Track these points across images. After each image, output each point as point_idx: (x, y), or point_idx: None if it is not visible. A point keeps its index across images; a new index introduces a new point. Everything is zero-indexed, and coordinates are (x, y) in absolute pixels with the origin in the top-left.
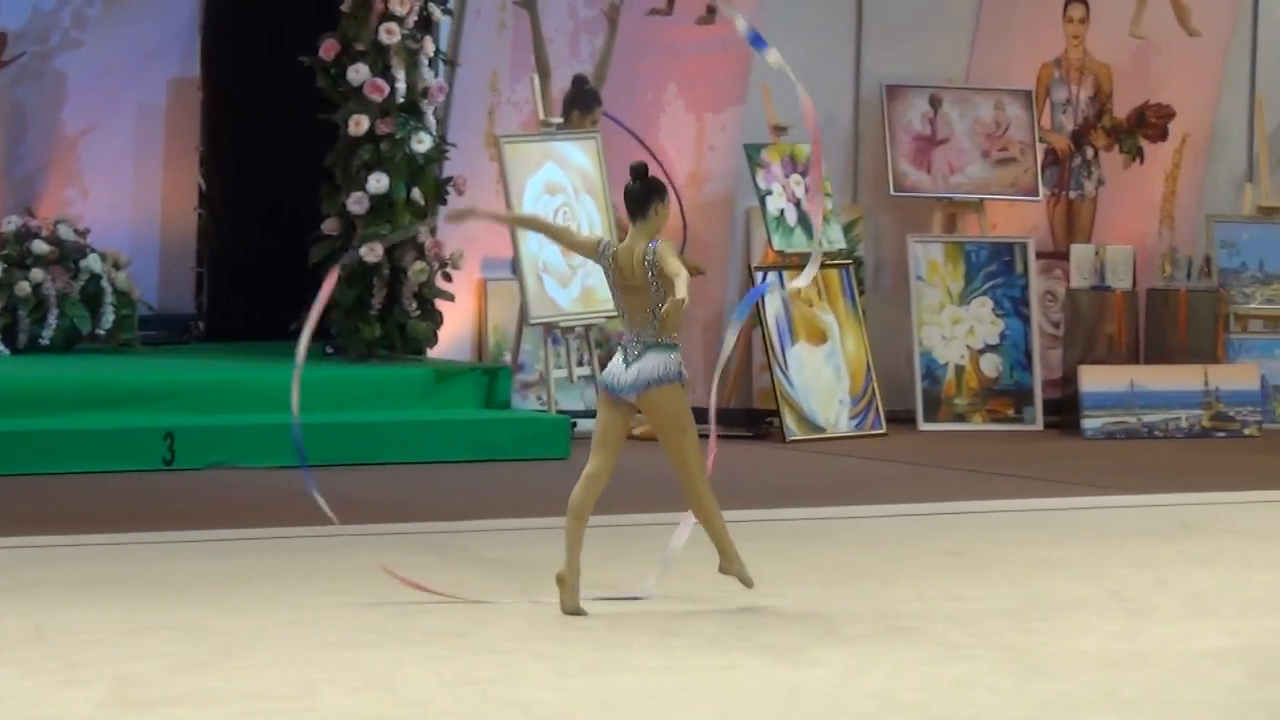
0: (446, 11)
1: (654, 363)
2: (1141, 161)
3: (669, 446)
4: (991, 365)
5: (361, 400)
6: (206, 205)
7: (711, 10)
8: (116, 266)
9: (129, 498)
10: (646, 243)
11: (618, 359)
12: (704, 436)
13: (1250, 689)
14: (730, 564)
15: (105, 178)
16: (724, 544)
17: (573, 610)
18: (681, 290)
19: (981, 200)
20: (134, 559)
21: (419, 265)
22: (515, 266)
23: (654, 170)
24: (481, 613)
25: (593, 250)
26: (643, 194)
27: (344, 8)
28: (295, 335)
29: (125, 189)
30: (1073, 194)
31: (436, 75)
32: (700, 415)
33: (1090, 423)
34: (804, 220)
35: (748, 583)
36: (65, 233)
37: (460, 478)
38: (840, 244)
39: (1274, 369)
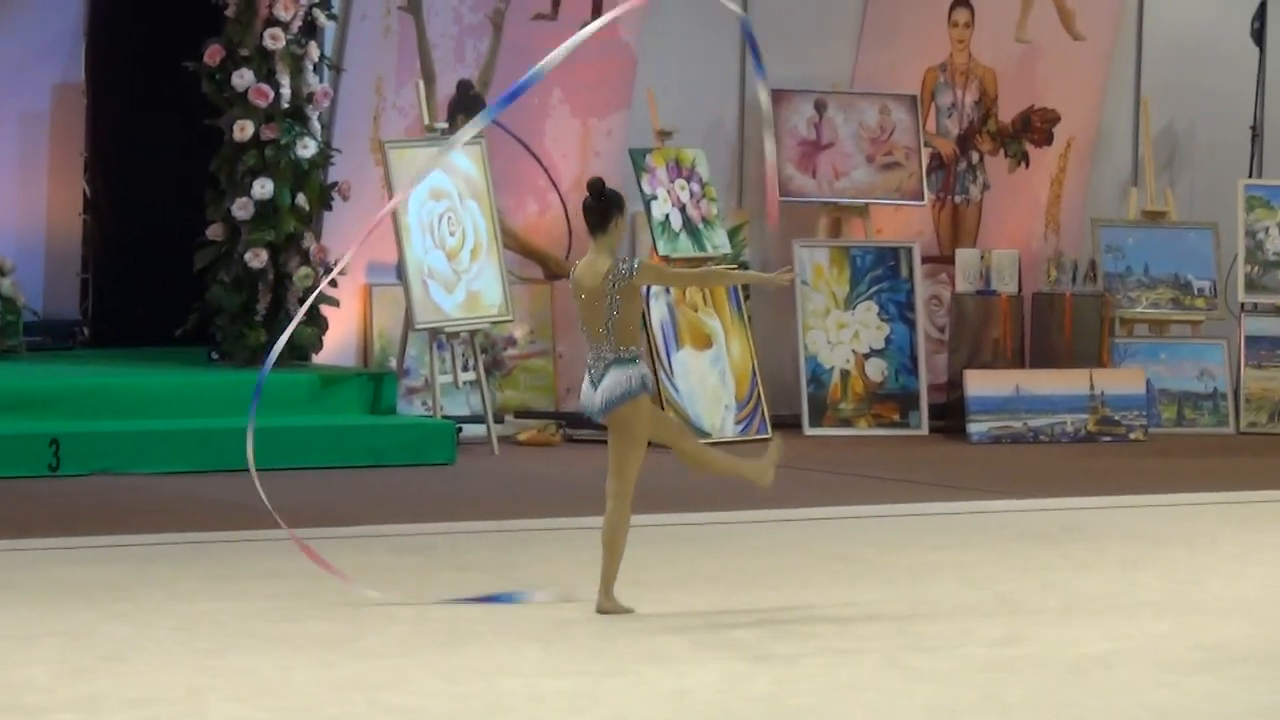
0: (331, 17)
1: (614, 380)
2: (1027, 166)
3: (616, 454)
4: (877, 370)
5: (246, 405)
6: (91, 211)
7: (597, 15)
8: (1, 272)
9: (13, 504)
10: (608, 257)
11: (586, 382)
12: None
13: (1135, 692)
14: (608, 601)
15: None
16: (611, 576)
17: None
18: (728, 275)
19: (867, 205)
20: (19, 565)
21: (304, 270)
22: (400, 272)
23: (538, 176)
24: (369, 618)
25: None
26: (602, 209)
27: (228, 13)
28: (181, 341)
29: (9, 195)
30: (958, 198)
31: (321, 80)
32: (592, 420)
33: (976, 427)
34: (689, 225)
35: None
36: None
37: (345, 483)
38: (725, 249)
39: (1159, 373)
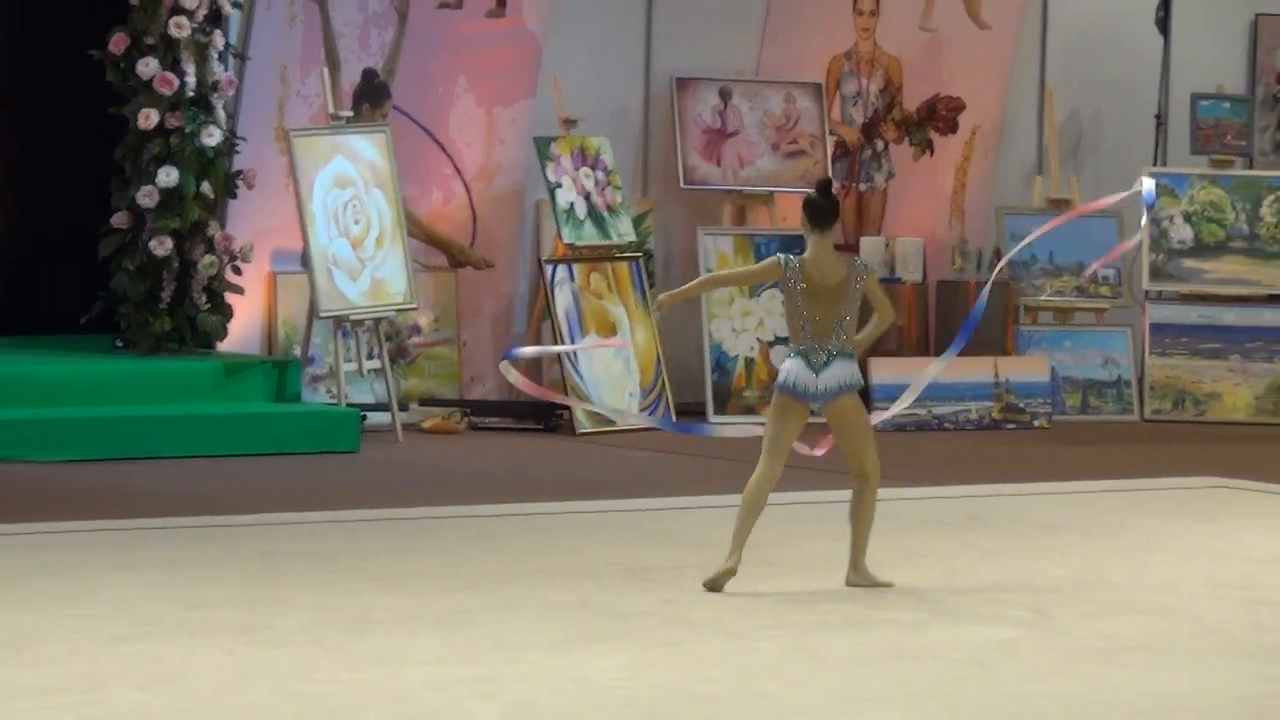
0: (236, 5)
1: (843, 370)
2: (931, 154)
3: (854, 450)
4: (782, 358)
5: (151, 393)
6: None
7: (502, 4)
8: None
9: None
10: (836, 254)
11: (799, 365)
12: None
13: (1040, 680)
14: (857, 575)
15: None
16: (862, 549)
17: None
18: (890, 315)
19: (771, 193)
20: None
21: (208, 258)
22: (305, 260)
23: (444, 164)
24: (273, 607)
25: (776, 271)
26: (832, 207)
27: (133, 1)
28: (85, 329)
29: None
30: (863, 186)
31: (226, 69)
32: (496, 408)
33: (880, 415)
34: (594, 213)
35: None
36: None
37: (250, 471)
38: (630, 237)
39: (1063, 361)
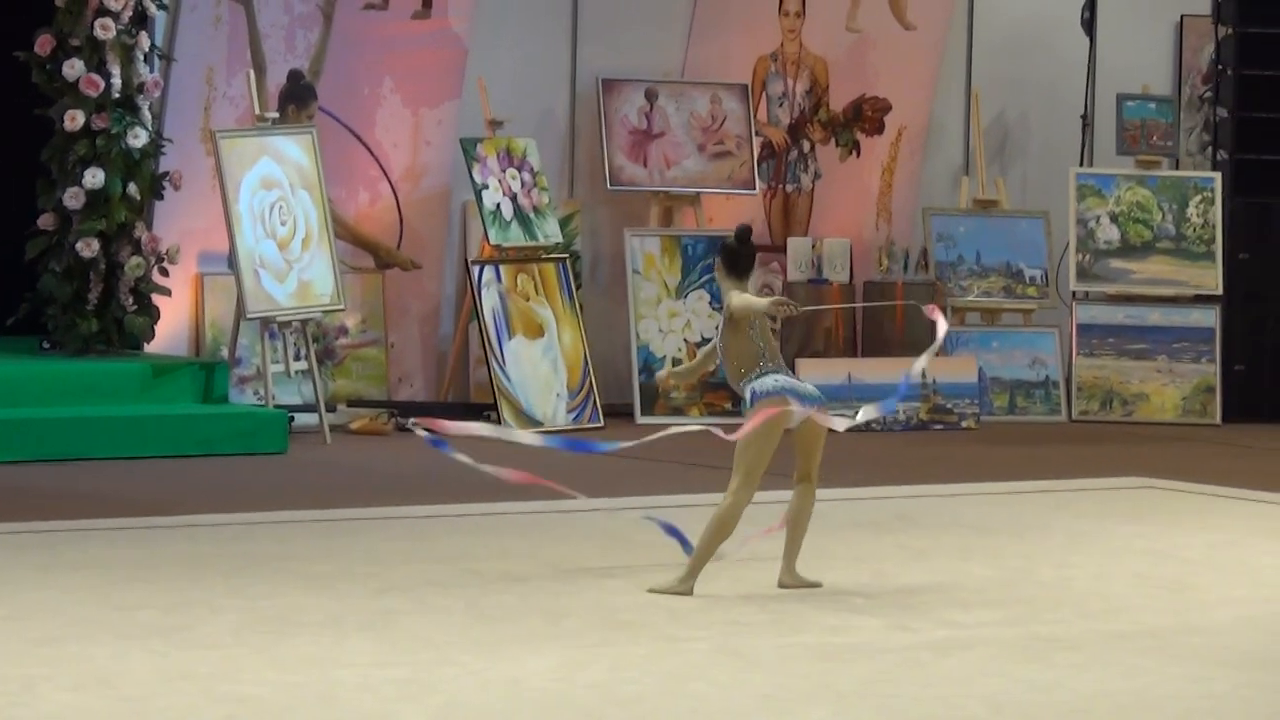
0: (162, 7)
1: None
2: (858, 155)
3: (810, 454)
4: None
5: (78, 395)
6: None
7: (427, 5)
8: None
9: None
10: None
11: (782, 376)
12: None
13: (968, 681)
14: (790, 575)
15: None
16: (797, 551)
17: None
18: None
19: (698, 194)
20: None
21: (135, 260)
22: (232, 261)
23: (370, 166)
24: (200, 609)
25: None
26: (753, 256)
27: (58, 3)
28: (12, 330)
29: None
30: (789, 187)
31: (152, 70)
32: (423, 409)
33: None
34: (520, 214)
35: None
36: None
37: (178, 472)
38: (556, 238)
39: (991, 361)
